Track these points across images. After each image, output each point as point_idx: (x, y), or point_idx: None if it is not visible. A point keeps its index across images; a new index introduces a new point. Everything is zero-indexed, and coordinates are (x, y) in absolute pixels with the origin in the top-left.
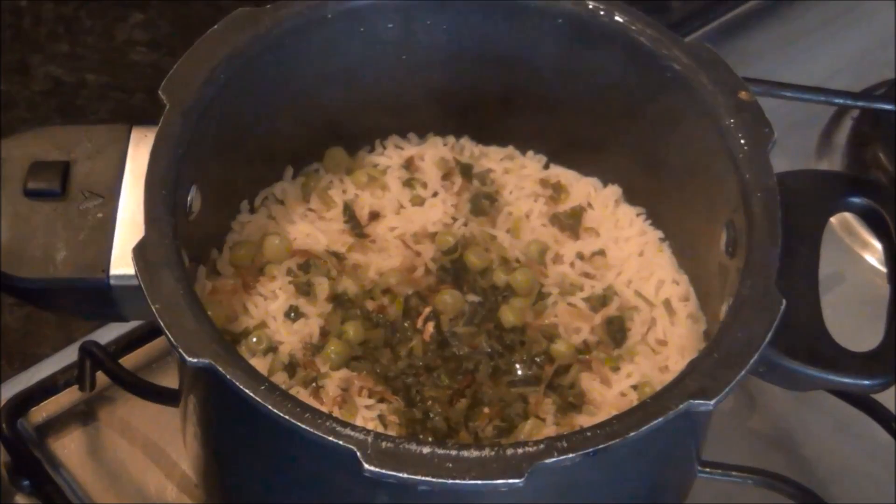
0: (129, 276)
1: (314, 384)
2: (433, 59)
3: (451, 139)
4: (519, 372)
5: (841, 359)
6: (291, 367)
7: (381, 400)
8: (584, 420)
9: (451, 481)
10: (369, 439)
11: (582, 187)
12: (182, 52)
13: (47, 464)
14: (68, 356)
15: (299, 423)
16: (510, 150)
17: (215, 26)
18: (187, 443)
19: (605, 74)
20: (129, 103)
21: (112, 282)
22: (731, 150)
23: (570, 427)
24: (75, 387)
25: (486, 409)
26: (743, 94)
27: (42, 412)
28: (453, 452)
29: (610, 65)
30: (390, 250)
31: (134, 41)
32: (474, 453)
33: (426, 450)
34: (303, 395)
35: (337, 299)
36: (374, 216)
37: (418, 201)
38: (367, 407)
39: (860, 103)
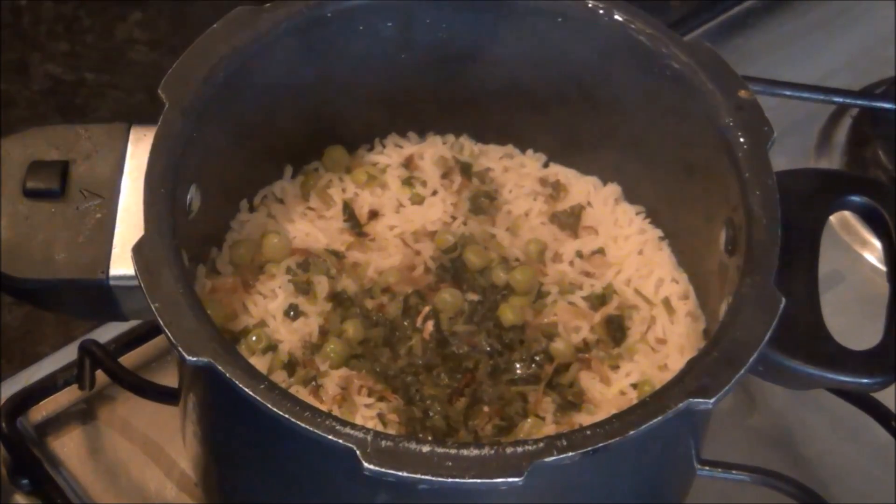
0: (129, 276)
1: (314, 383)
2: (432, 58)
3: (450, 138)
4: (518, 370)
5: (840, 357)
6: (291, 366)
7: (381, 399)
8: (583, 419)
9: (450, 480)
10: (369, 438)
11: (581, 186)
12: (181, 51)
13: (47, 463)
14: (68, 355)
15: (299, 422)
16: (509, 148)
17: (214, 25)
18: (187, 442)
19: (605, 73)
20: (129, 102)
21: (112, 281)
22: (730, 149)
23: (570, 426)
24: (75, 386)
25: (486, 408)
26: (742, 93)
27: (42, 411)
28: (453, 451)
29: (609, 63)
30: (390, 249)
31: (133, 40)
32: (474, 452)
33: (426, 448)
34: (302, 393)
35: (336, 298)
36: (374, 215)
37: (418, 200)
38: (367, 406)
39: (859, 102)
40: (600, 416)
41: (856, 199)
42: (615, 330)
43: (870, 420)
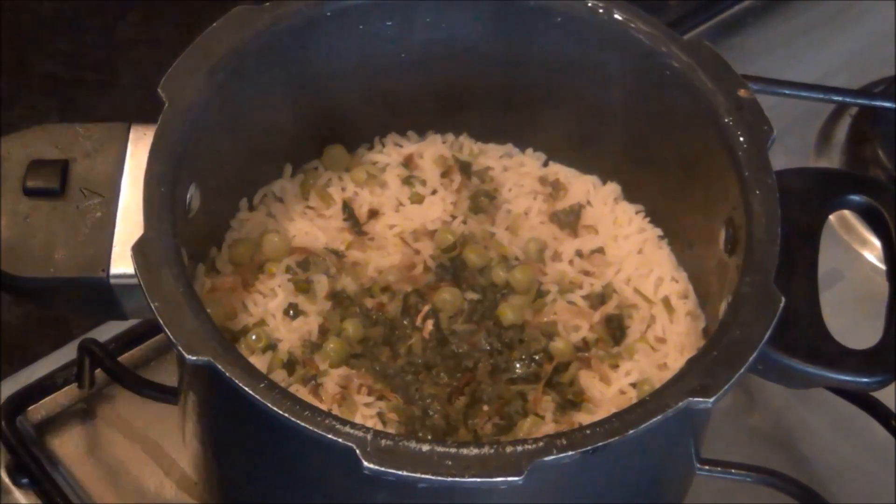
0: (129, 275)
1: (313, 382)
2: (432, 57)
3: (450, 137)
4: (518, 369)
5: (840, 356)
6: (290, 365)
7: (381, 398)
8: (583, 418)
9: (450, 479)
10: (368, 437)
11: (581, 185)
12: (181, 50)
13: (46, 462)
14: (67, 354)
15: (298, 421)
16: (509, 147)
17: (214, 24)
18: (186, 440)
19: (604, 72)
20: (129, 101)
21: (112, 280)
22: (730, 148)
23: (570, 425)
24: (74, 385)
25: (486, 407)
26: (742, 92)
27: (41, 410)
28: (453, 450)
29: (608, 63)
30: (389, 248)
31: (133, 39)
32: (474, 451)
33: (425, 447)
34: (302, 392)
35: (336, 297)
36: (374, 214)
37: (417, 199)
38: (367, 405)
39: (859, 101)
40: (600, 415)
41: (855, 198)
42: (615, 329)
43: (869, 419)
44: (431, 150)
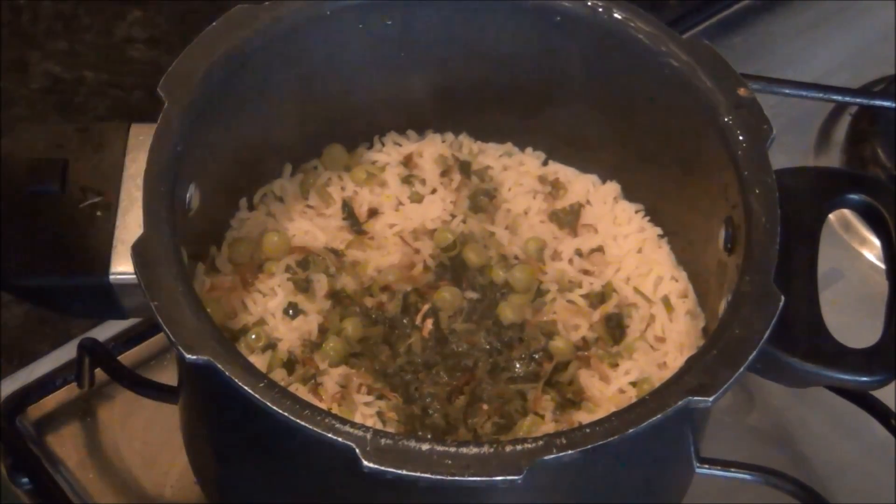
0: (129, 274)
1: (313, 381)
2: (431, 56)
3: (449, 136)
4: (518, 369)
5: (840, 355)
6: (290, 364)
7: (380, 397)
8: (582, 417)
9: (449, 478)
10: (368, 436)
11: (580, 184)
12: (181, 49)
13: (46, 461)
14: (67, 353)
15: (298, 420)
16: (509, 146)
17: (214, 23)
18: (186, 440)
19: (604, 71)
20: (128, 101)
21: (112, 279)
22: (729, 147)
23: (569, 424)
24: (74, 384)
25: (485, 406)
26: (741, 91)
27: (41, 409)
28: (452, 449)
29: (608, 62)
30: (389, 247)
31: (132, 38)
32: (473, 450)
33: (425, 447)
34: (301, 392)
35: (336, 296)
36: (373, 213)
37: (417, 198)
38: (366, 404)
39: (858, 100)
40: (599, 414)
41: (855, 197)
42: (614, 328)
43: (869, 418)
44: (431, 150)
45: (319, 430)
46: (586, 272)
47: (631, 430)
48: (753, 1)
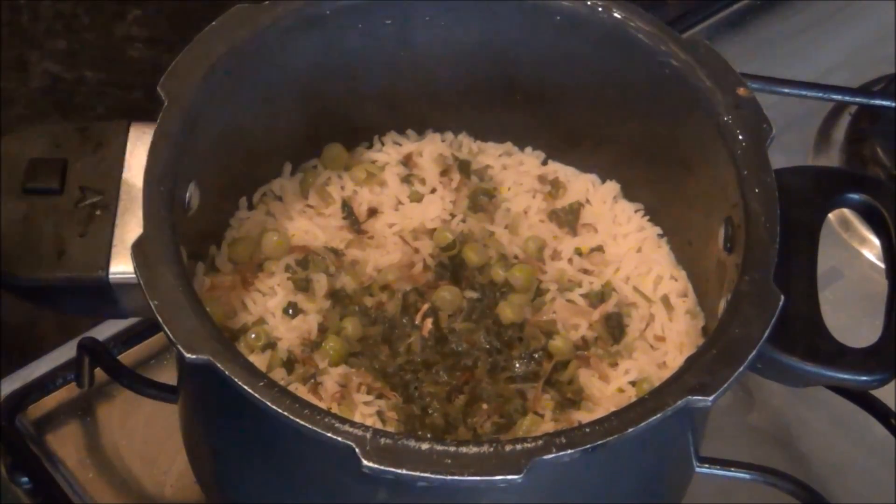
0: (128, 273)
1: (313, 380)
2: (431, 56)
3: (449, 135)
4: (517, 368)
5: (839, 355)
6: (290, 364)
7: (380, 396)
8: (582, 416)
9: (449, 478)
10: (368, 435)
11: (580, 183)
12: (180, 48)
13: (45, 460)
14: (67, 352)
15: (298, 420)
16: (508, 146)
17: (213, 23)
18: (186, 439)
19: (603, 71)
20: (128, 100)
21: (111, 279)
22: (729, 147)
23: (569, 423)
24: (74, 383)
25: (485, 406)
26: (741, 91)
27: (40, 408)
28: (452, 449)
29: (608, 61)
30: (388, 247)
31: (132, 38)
32: (473, 449)
33: (425, 446)
34: (301, 391)
35: (335, 296)
36: (373, 212)
37: (417, 198)
38: (366, 403)
39: (858, 99)
40: (599, 413)
41: (854, 196)
42: (614, 327)
43: (869, 417)
44: (430, 149)
45: (319, 430)
46: (586, 271)
47: (630, 430)
48: (753, 1)
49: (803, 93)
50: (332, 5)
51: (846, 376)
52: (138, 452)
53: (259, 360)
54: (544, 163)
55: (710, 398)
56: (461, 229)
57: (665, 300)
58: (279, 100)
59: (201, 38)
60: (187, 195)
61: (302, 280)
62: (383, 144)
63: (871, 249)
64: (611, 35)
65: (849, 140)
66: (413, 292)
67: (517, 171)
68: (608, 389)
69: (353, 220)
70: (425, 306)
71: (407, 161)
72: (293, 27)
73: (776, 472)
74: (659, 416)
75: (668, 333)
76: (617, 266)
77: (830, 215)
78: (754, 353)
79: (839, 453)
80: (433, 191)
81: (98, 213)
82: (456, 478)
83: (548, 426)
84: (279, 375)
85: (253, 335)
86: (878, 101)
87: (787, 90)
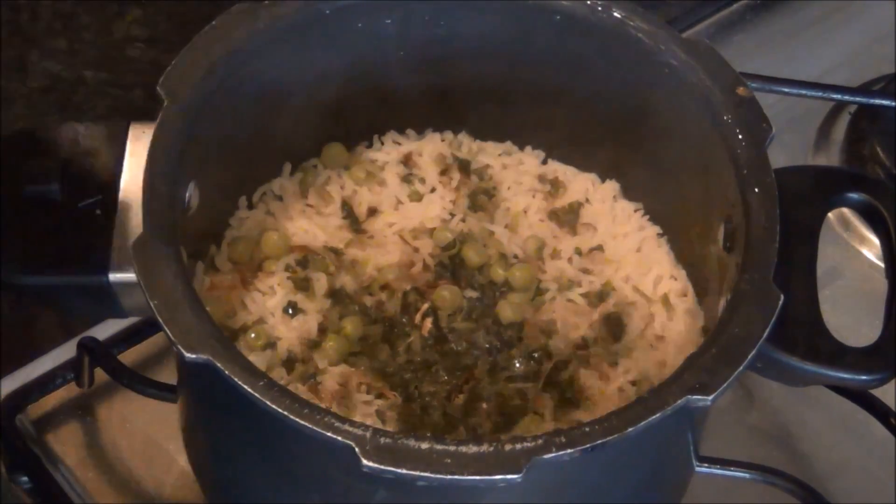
0: (129, 274)
1: (312, 380)
2: (431, 55)
3: (448, 135)
4: (517, 368)
5: (839, 354)
6: (290, 363)
7: (380, 395)
8: (582, 415)
9: (449, 477)
10: (368, 435)
11: (580, 183)
12: (180, 48)
13: (45, 459)
14: (67, 352)
15: (297, 419)
16: (508, 145)
17: (213, 22)
18: (186, 439)
19: (603, 70)
20: (128, 100)
21: (111, 278)
22: (729, 146)
23: (569, 422)
24: (74, 383)
25: (485, 405)
26: (741, 90)
27: (40, 408)
28: (452, 448)
29: (607, 60)
30: (388, 246)
31: (132, 37)
32: (473, 449)
33: (424, 445)
34: (301, 390)
35: (335, 295)
36: (372, 212)
37: (416, 197)
38: (366, 402)
39: (858, 99)
40: (599, 413)
41: (854, 195)
42: (614, 327)
43: (868, 416)
44: (430, 149)
45: (319, 429)
46: (586, 271)
47: (630, 429)
48: (753, 0)
49: (803, 92)
50: (332, 5)
51: (846, 376)
52: (138, 452)
53: (259, 360)
54: (544, 162)
55: (710, 398)
56: (461, 229)
57: (665, 300)
58: (279, 99)
59: (201, 38)
60: (187, 195)
61: (302, 279)
62: (383, 144)
63: (870, 249)
64: (611, 34)
65: (849, 140)
66: (413, 292)
67: (517, 170)
68: (608, 389)
69: (353, 220)
70: (425, 306)
71: (407, 160)
72: (293, 27)
73: (776, 472)
74: (658, 415)
75: (667, 333)
76: (617, 265)
77: (830, 215)
78: (754, 352)
79: (839, 452)
80: (433, 190)
81: (98, 212)
82: (456, 477)
83: (547, 426)
84: (279, 375)
85: (253, 335)
86: (877, 101)
87: (787, 90)
